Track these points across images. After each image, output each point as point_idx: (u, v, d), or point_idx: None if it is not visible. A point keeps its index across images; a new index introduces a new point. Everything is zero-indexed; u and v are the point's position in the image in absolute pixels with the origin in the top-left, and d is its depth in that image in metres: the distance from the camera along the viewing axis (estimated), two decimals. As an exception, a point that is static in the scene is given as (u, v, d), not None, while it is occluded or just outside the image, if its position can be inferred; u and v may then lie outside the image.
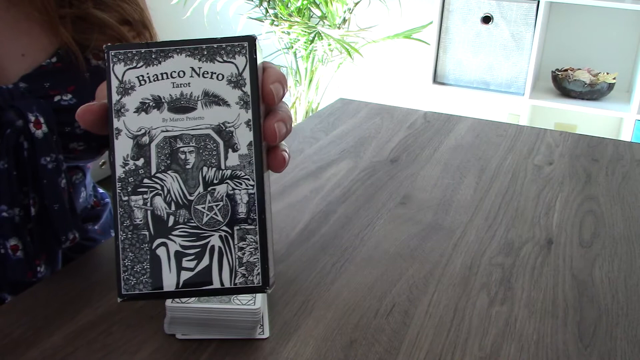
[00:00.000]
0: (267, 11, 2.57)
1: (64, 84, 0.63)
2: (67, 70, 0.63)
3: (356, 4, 2.55)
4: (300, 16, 2.52)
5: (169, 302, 0.51)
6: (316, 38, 2.51)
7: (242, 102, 0.37)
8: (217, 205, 0.37)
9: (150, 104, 0.37)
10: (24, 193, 0.62)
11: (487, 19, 2.28)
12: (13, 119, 0.59)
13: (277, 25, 2.52)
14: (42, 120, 0.60)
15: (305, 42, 2.54)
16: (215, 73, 0.37)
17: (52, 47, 0.63)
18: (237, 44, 0.37)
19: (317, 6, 2.54)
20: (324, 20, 2.54)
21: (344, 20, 2.58)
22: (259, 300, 0.51)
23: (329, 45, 2.50)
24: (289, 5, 2.51)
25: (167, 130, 0.37)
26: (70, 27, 0.63)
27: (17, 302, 0.55)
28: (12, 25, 0.62)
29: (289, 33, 2.54)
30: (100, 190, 0.87)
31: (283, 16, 2.51)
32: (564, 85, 2.28)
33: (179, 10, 2.78)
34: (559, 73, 2.31)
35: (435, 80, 2.43)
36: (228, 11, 2.68)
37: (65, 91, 0.63)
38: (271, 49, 2.74)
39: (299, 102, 2.69)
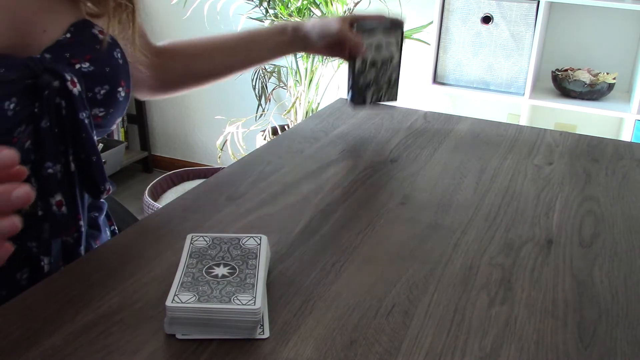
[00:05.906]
0: (267, 11, 2.57)
1: (82, 54, 0.68)
2: (80, 43, 0.69)
3: (356, 4, 2.55)
4: (300, 16, 2.52)
5: (169, 302, 0.51)
6: (316, 38, 2.51)
7: None
8: None
9: None
10: (62, 150, 0.67)
11: (487, 19, 2.28)
12: (49, 80, 0.64)
13: (277, 25, 2.52)
14: (75, 79, 0.65)
15: (305, 42, 2.53)
16: None
17: (67, 22, 0.69)
18: None
19: (317, 6, 2.54)
20: (324, 20, 2.54)
21: (344, 20, 2.58)
22: (259, 300, 0.51)
23: (329, 45, 2.49)
24: (289, 6, 2.51)
25: None
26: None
27: (17, 303, 0.55)
28: (36, 3, 0.67)
29: (289, 33, 2.54)
30: None
31: (283, 16, 2.51)
32: (564, 85, 2.28)
33: (179, 10, 2.78)
34: (559, 73, 2.31)
35: (435, 80, 2.43)
36: (228, 11, 2.68)
37: (84, 59, 0.68)
38: (271, 49, 2.74)
39: (299, 102, 2.69)
